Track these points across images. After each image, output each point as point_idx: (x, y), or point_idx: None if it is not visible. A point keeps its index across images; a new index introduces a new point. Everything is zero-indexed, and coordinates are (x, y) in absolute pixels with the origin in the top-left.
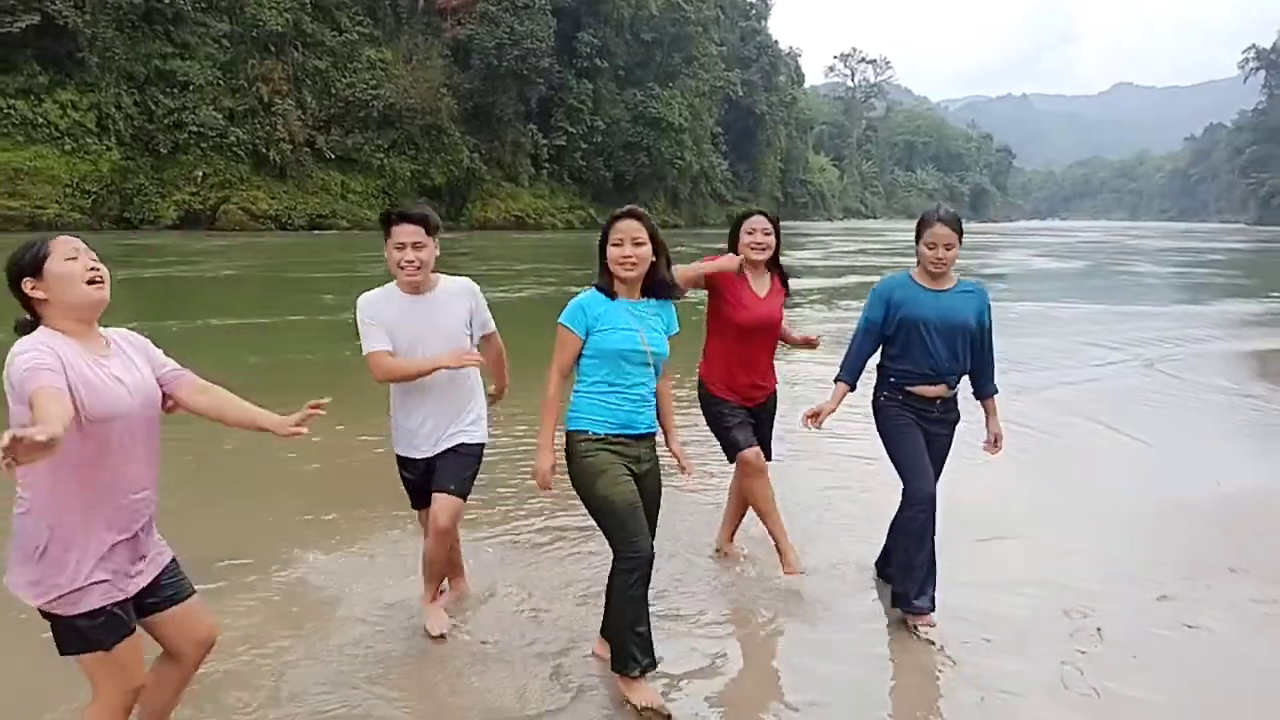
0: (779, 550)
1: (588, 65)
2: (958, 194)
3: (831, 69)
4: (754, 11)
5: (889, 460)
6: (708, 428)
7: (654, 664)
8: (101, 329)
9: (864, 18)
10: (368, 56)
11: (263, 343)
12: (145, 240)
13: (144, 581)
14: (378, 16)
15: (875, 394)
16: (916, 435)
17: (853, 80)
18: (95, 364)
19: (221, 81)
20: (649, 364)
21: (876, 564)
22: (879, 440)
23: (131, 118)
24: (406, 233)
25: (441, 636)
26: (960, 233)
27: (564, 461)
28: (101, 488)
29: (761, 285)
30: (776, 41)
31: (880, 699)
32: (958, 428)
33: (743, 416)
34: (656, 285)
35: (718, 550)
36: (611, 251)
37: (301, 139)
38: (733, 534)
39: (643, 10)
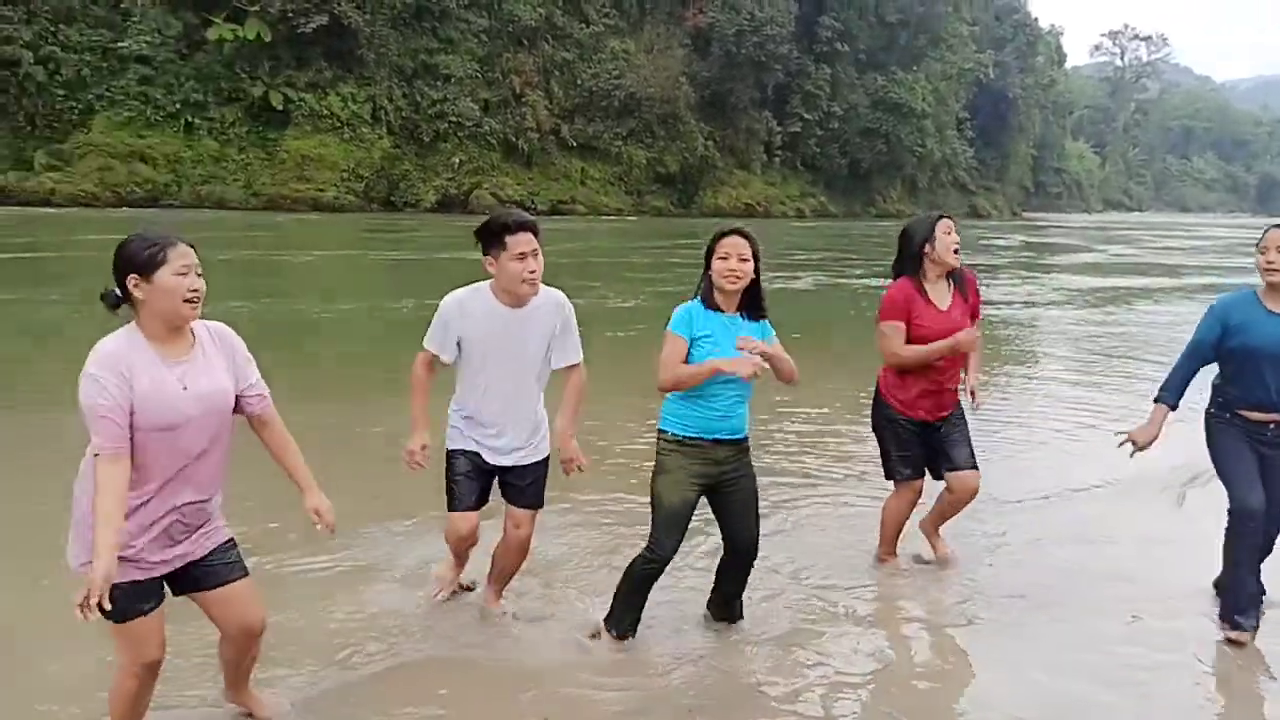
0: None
1: (827, 50)
2: (1242, 184)
3: (1098, 47)
4: None
5: (1218, 477)
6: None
7: (632, 634)
8: (194, 323)
9: None
10: (612, 48)
11: None
12: (408, 219)
13: (178, 563)
14: (623, 8)
15: (1206, 412)
16: (1244, 449)
17: (1122, 59)
18: (166, 371)
19: (479, 74)
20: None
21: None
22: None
23: (400, 109)
24: (527, 241)
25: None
26: None
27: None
28: (151, 490)
29: (942, 297)
30: (1036, 19)
31: None
32: None
33: (913, 442)
34: (752, 302)
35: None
36: (718, 265)
37: (547, 128)
38: (936, 535)
39: None
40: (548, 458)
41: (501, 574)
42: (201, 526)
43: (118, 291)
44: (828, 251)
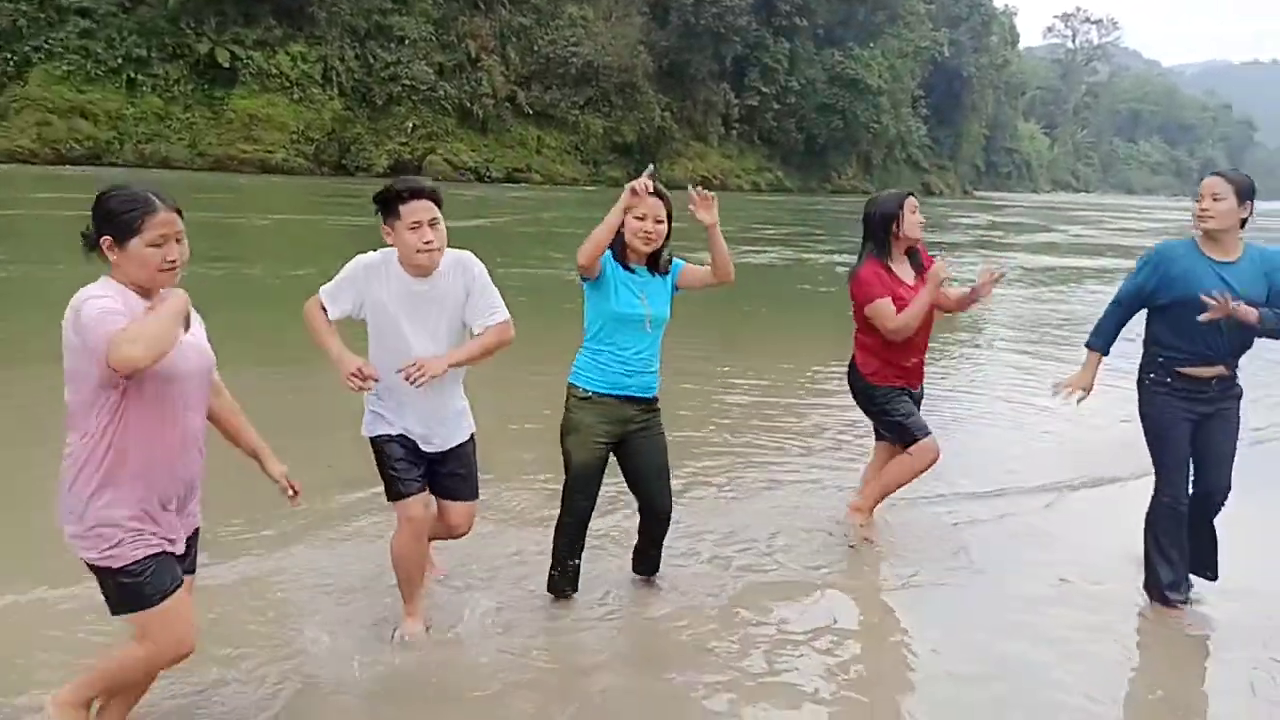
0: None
1: (786, 24)
2: (1185, 169)
3: (1050, 29)
4: None
5: (1150, 455)
6: (864, 414)
7: (574, 591)
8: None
9: None
10: (570, 14)
11: None
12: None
13: (181, 543)
14: None
15: (1141, 373)
16: (1180, 430)
17: (1074, 42)
18: None
19: (434, 37)
20: (647, 329)
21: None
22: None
23: (352, 70)
24: (424, 209)
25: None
26: (1239, 188)
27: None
28: (156, 449)
29: (905, 273)
30: None
31: (1050, 680)
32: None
33: (910, 403)
34: (656, 260)
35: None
36: (634, 224)
37: (503, 94)
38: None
39: None
40: (474, 437)
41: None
42: (188, 506)
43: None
44: (793, 227)
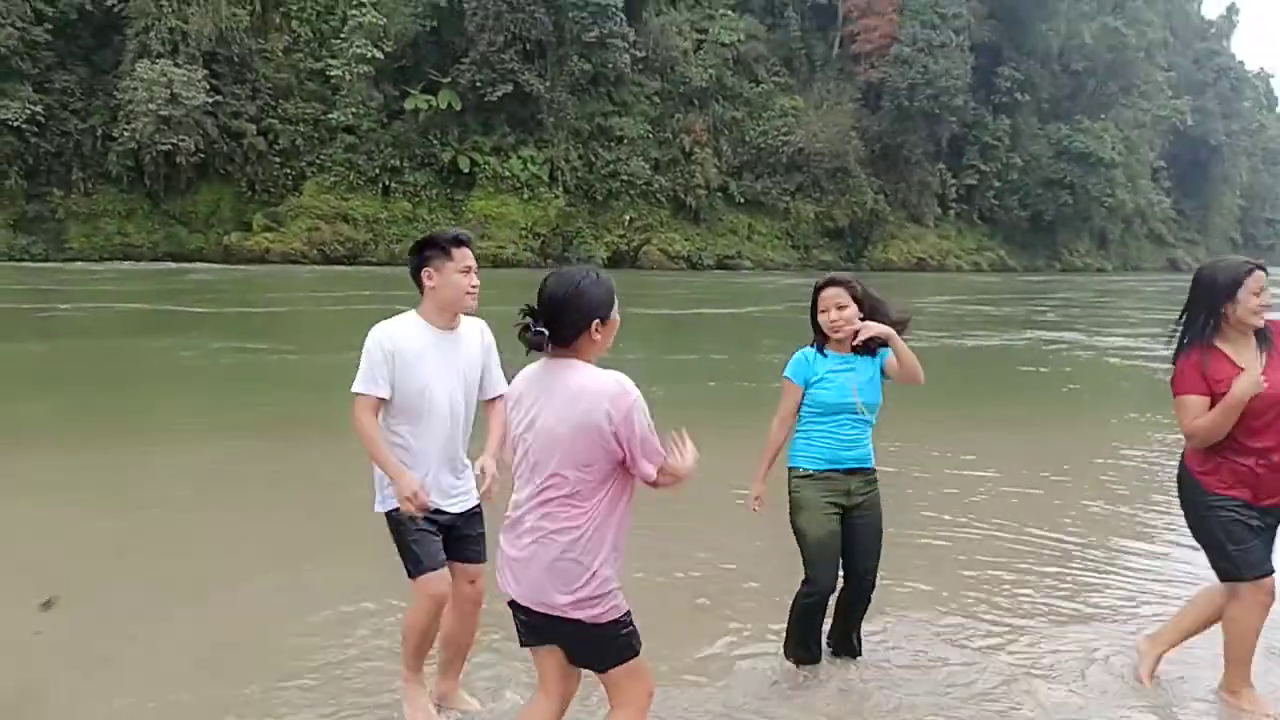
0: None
1: (1006, 100)
2: None
3: None
4: (1213, 31)
5: None
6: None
7: (815, 660)
8: None
9: None
10: (781, 105)
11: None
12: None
13: None
14: (793, 66)
15: None
16: None
17: None
18: None
19: (651, 135)
20: (860, 413)
21: None
22: None
23: (575, 169)
24: (470, 256)
25: None
26: None
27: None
28: (627, 517)
29: (1248, 355)
30: (1241, 62)
31: None
32: None
33: (1245, 526)
34: (865, 344)
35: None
36: (821, 318)
37: (715, 185)
38: (1163, 652)
39: (1074, 39)
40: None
41: (458, 653)
42: None
43: (543, 329)
44: (1079, 309)
